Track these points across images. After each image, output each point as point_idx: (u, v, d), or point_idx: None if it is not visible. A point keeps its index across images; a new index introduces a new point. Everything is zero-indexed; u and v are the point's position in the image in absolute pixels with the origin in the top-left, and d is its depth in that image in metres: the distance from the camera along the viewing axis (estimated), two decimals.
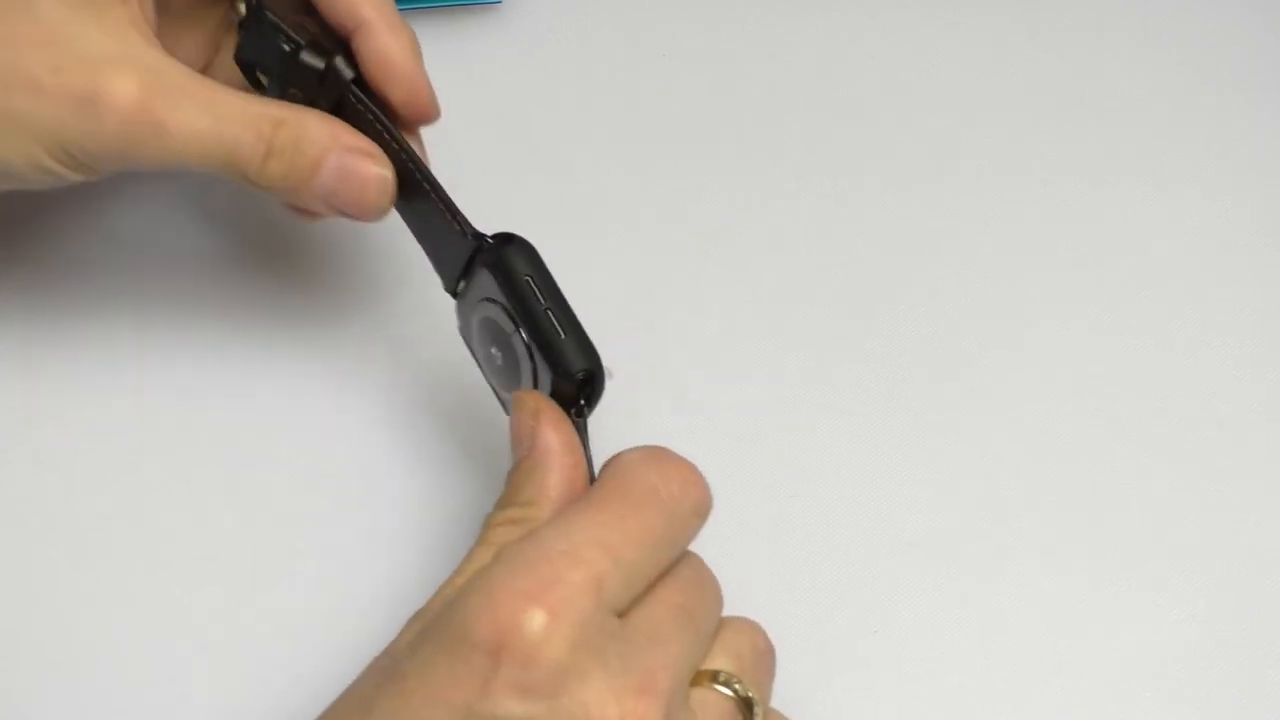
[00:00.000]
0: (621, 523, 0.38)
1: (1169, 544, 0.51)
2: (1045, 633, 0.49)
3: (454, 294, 0.46)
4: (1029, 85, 0.59)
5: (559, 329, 0.42)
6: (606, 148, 0.56)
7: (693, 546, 0.41)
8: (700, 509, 0.40)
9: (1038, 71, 0.59)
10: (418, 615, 0.39)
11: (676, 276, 0.54)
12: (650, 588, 0.38)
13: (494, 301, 0.43)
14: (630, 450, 0.40)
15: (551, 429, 0.40)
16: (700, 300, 0.54)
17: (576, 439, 0.41)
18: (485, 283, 0.43)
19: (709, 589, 0.40)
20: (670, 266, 0.54)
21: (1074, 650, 0.49)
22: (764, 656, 0.41)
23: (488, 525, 0.40)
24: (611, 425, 0.44)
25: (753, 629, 0.41)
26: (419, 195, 0.45)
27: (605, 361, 0.42)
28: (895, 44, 0.59)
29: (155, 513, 0.49)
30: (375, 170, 0.44)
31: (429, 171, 0.45)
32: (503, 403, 0.45)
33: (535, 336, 0.42)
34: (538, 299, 0.42)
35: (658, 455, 0.40)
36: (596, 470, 0.41)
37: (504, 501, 0.40)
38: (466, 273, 0.44)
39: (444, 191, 0.45)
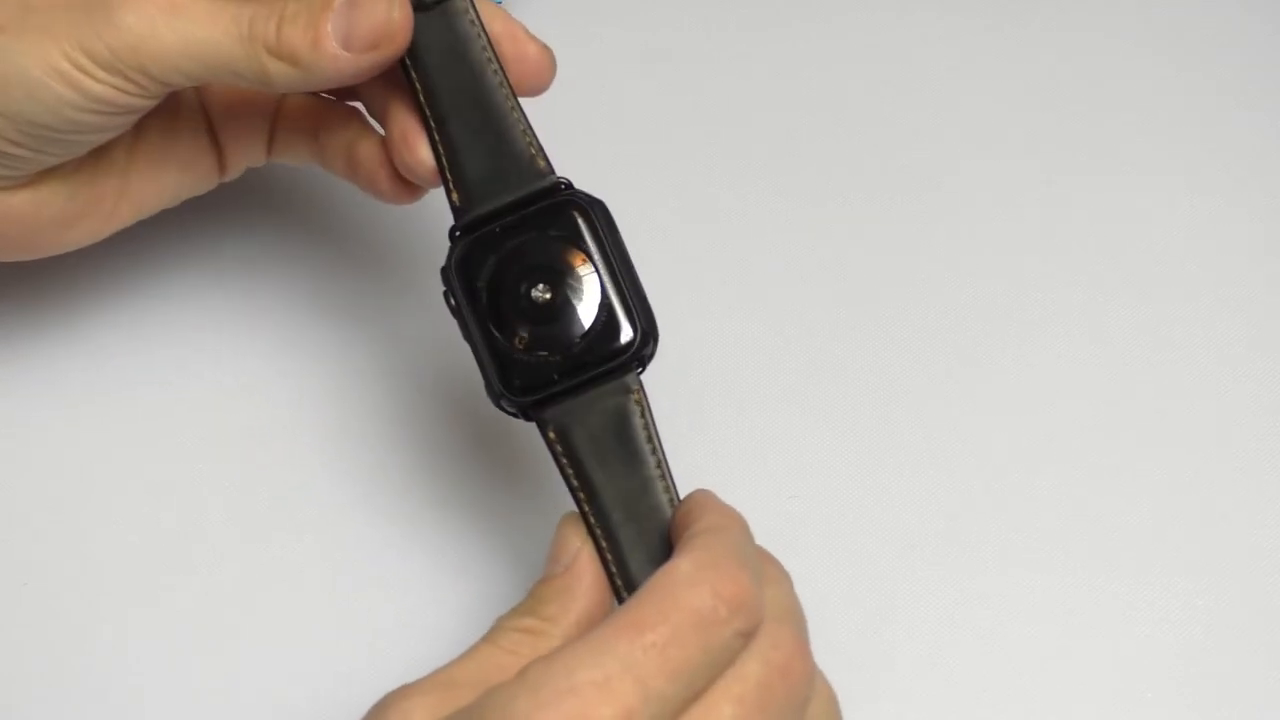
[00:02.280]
0: (661, 651, 0.35)
1: (1169, 543, 0.51)
2: (1045, 633, 0.49)
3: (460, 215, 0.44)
4: (1029, 86, 0.59)
5: (641, 288, 0.43)
6: (606, 148, 0.56)
7: None
8: (746, 629, 0.36)
9: (1038, 72, 0.59)
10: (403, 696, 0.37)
11: (675, 277, 0.54)
12: (700, 697, 0.36)
13: (571, 241, 0.43)
14: (684, 558, 0.37)
15: (591, 560, 0.40)
16: (699, 300, 0.54)
17: (605, 580, 0.40)
18: (567, 222, 0.43)
19: (776, 690, 0.37)
20: (669, 267, 0.54)
21: (1074, 650, 0.49)
22: None
23: (500, 627, 0.39)
24: None
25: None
26: (493, 103, 0.45)
27: None
28: (897, 44, 0.59)
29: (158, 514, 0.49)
30: None
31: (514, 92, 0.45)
32: (479, 340, 0.43)
33: (632, 289, 0.43)
34: (627, 256, 0.43)
35: (712, 569, 0.37)
36: (659, 431, 0.42)
37: (524, 610, 0.39)
38: (519, 205, 0.43)
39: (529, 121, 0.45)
